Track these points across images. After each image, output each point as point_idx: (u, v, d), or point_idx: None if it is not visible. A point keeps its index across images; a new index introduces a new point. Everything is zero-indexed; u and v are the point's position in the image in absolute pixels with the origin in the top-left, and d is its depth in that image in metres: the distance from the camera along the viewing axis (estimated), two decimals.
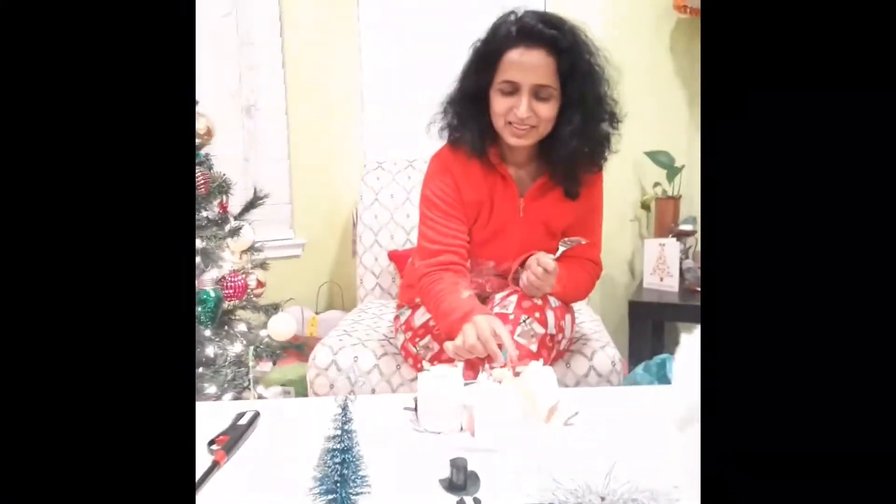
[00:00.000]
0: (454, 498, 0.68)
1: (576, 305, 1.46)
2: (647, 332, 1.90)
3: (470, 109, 1.30)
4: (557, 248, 1.28)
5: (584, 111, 1.26)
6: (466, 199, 1.33)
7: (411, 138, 2.24)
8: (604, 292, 2.33)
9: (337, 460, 0.70)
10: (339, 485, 0.70)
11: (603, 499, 0.71)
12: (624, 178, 2.27)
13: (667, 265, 1.96)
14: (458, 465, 0.69)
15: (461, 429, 0.97)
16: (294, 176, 2.29)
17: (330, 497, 0.70)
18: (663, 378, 1.81)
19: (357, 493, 0.70)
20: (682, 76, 2.24)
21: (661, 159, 2.18)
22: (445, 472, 0.70)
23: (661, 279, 1.97)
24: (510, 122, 1.25)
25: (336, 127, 2.32)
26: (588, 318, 1.69)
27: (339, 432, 0.70)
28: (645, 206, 2.26)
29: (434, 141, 1.38)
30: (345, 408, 0.70)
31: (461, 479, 0.69)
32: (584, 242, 1.30)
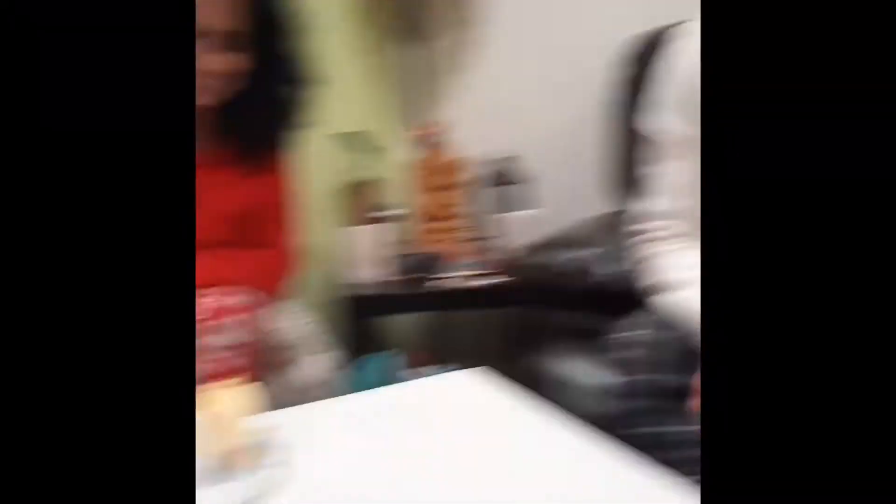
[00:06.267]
0: None
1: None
2: (354, 330, 1.69)
3: None
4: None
5: (263, 65, 0.97)
6: None
7: None
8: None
9: None
10: None
11: None
12: (313, 159, 2.01)
13: (373, 254, 1.77)
14: None
15: None
16: None
17: None
18: (383, 377, 1.62)
19: None
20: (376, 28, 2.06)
21: (355, 142, 1.97)
22: None
23: (366, 270, 1.78)
24: None
25: None
26: (291, 316, 1.39)
27: None
28: (343, 191, 2.04)
29: None
30: None
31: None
32: None
